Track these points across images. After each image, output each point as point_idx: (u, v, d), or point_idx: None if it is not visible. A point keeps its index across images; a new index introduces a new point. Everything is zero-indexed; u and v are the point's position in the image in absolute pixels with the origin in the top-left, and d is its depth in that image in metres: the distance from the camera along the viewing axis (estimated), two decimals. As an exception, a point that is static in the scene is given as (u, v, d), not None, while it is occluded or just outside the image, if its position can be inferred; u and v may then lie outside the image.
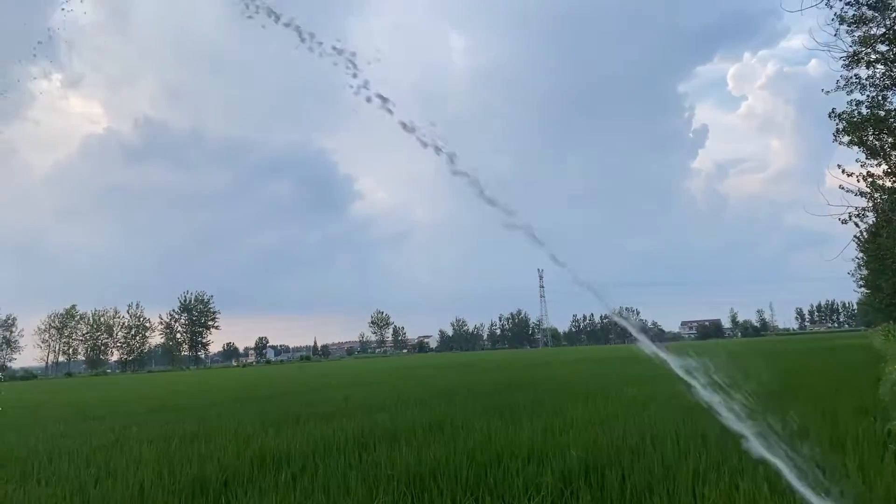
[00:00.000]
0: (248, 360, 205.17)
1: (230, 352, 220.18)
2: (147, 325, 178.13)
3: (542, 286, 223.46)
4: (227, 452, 8.88)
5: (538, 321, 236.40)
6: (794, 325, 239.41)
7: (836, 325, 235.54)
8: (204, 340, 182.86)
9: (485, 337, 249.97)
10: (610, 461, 6.74)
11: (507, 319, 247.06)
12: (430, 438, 9.21)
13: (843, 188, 30.41)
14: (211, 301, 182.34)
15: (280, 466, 7.67)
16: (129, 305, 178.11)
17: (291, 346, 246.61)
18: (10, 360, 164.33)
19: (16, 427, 15.47)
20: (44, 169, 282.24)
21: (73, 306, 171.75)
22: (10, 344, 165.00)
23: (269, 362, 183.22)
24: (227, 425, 12.59)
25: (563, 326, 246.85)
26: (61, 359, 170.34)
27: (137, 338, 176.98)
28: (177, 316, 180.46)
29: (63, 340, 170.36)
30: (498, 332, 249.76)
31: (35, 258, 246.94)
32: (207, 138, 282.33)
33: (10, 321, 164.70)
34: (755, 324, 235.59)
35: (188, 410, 17.43)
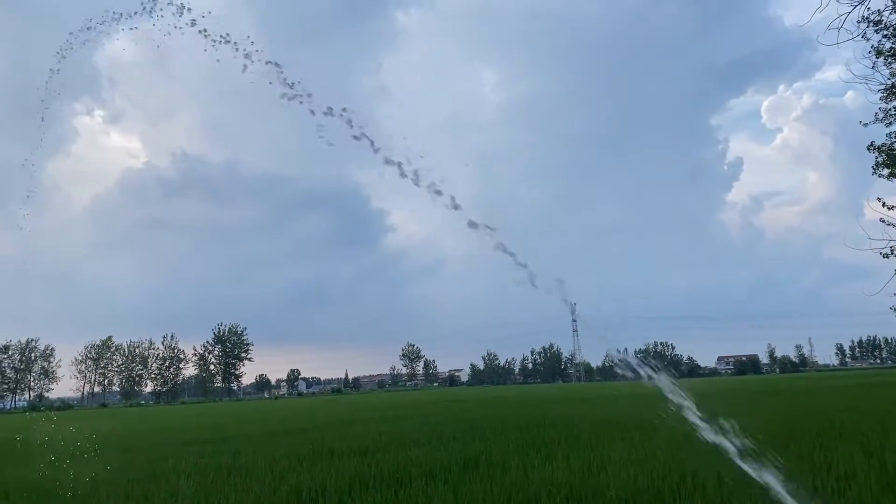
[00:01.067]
0: (281, 393, 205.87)
1: (262, 383, 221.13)
2: (181, 356, 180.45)
3: (574, 320, 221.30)
4: (264, 487, 8.89)
5: (571, 355, 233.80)
6: (835, 361, 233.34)
7: (878, 361, 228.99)
8: (237, 372, 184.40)
9: (516, 371, 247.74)
10: (650, 502, 6.62)
11: (539, 353, 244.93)
12: (466, 476, 9.13)
13: (883, 221, 29.82)
14: (244, 333, 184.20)
15: (316, 502, 7.65)
16: (164, 337, 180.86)
17: (323, 378, 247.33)
18: (47, 391, 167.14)
19: (55, 460, 15.67)
20: (83, 202, 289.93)
21: (110, 338, 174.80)
22: (47, 374, 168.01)
23: (301, 394, 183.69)
24: (262, 459, 12.62)
25: (595, 361, 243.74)
26: (97, 389, 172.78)
27: (171, 369, 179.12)
28: (210, 348, 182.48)
29: (99, 371, 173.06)
30: (530, 366, 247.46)
31: (73, 290, 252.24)
32: (243, 172, 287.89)
33: (48, 352, 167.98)
34: (793, 359, 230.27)
35: (223, 443, 17.51)
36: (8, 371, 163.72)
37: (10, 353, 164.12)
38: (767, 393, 35.01)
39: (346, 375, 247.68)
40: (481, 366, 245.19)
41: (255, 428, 24.42)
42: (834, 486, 7.08)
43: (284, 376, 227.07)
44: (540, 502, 6.79)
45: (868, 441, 10.68)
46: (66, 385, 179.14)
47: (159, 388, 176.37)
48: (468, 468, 9.95)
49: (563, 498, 6.92)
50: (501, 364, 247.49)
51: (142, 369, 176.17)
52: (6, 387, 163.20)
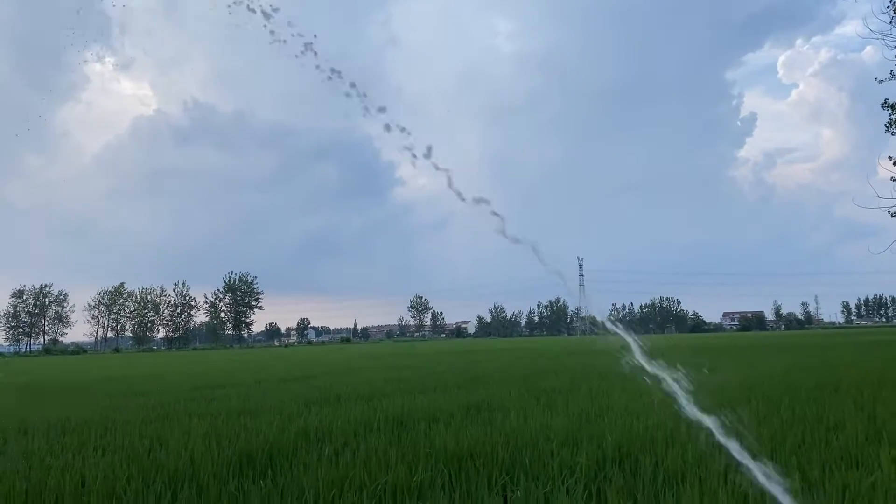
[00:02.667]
0: (290, 341, 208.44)
1: (272, 332, 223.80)
2: (192, 303, 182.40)
3: (581, 274, 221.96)
4: (273, 428, 9.21)
5: (577, 309, 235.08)
6: (840, 318, 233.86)
7: (884, 319, 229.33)
8: (247, 320, 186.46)
9: (523, 324, 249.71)
10: (644, 448, 6.87)
11: (546, 307, 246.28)
12: (467, 420, 9.43)
13: (894, 179, 29.57)
14: (255, 282, 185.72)
15: (323, 442, 7.96)
16: (176, 284, 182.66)
17: (332, 327, 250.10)
18: (61, 335, 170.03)
19: (71, 400, 16.17)
20: (95, 150, 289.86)
21: (122, 284, 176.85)
22: (61, 319, 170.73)
23: (310, 343, 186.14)
24: (271, 403, 12.99)
25: (601, 315, 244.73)
26: (110, 334, 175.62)
27: (183, 316, 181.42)
28: (221, 295, 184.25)
29: (112, 317, 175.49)
30: (536, 319, 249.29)
31: (86, 237, 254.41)
32: (254, 123, 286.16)
33: (61, 297, 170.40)
34: (799, 317, 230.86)
35: (233, 388, 17.95)
36: (23, 315, 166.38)
37: (24, 297, 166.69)
38: (770, 349, 35.34)
39: (355, 325, 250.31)
40: (488, 318, 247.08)
41: (264, 374, 24.95)
42: (822, 436, 7.31)
43: (294, 325, 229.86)
44: (537, 446, 7.05)
45: (861, 395, 10.91)
46: (80, 330, 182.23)
47: (171, 334, 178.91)
48: (470, 414, 10.26)
49: (560, 442, 7.18)
50: (508, 317, 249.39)
51: (153, 315, 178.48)
52: (21, 330, 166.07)
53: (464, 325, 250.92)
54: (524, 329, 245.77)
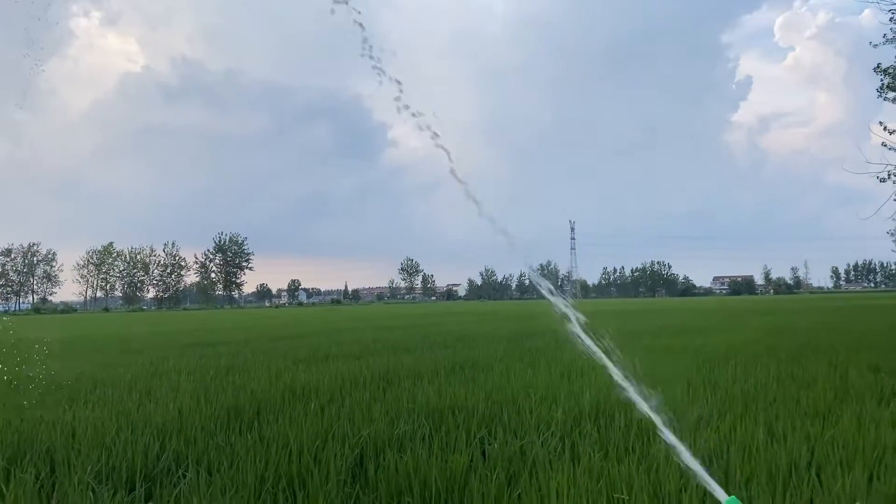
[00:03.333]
0: (281, 302, 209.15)
1: (263, 293, 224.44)
2: (182, 263, 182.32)
3: (573, 238, 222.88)
4: (260, 384, 9.40)
5: (567, 273, 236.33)
6: (829, 283, 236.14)
7: (872, 285, 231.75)
8: (238, 281, 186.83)
9: (513, 287, 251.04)
10: (620, 405, 7.07)
11: (537, 270, 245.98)
12: (451, 378, 9.64)
13: (885, 145, 29.70)
14: (245, 243, 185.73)
15: (309, 398, 8.14)
16: (165, 244, 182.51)
17: (323, 289, 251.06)
18: (50, 294, 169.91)
19: (59, 356, 16.30)
20: (82, 107, 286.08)
21: (111, 244, 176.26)
22: (50, 278, 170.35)
23: (301, 304, 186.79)
24: (260, 361, 13.18)
25: (592, 279, 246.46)
26: (99, 294, 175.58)
27: (173, 276, 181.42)
28: (211, 256, 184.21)
29: (101, 276, 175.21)
30: (526, 282, 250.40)
31: (74, 195, 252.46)
32: (244, 81, 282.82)
33: (50, 256, 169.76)
34: (788, 281, 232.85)
35: (223, 346, 18.14)
36: (11, 274, 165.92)
37: (12, 256, 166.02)
38: (757, 312, 35.81)
39: (346, 287, 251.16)
40: (479, 281, 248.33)
41: (254, 333, 25.17)
42: (794, 394, 7.54)
43: (285, 286, 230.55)
44: (517, 401, 7.25)
45: (837, 357, 11.17)
46: (69, 289, 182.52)
47: (161, 294, 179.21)
48: (454, 372, 10.47)
49: (539, 399, 7.38)
50: (499, 280, 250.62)
51: (143, 275, 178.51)
52: (10, 289, 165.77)
53: (454, 288, 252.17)
54: (515, 292, 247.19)
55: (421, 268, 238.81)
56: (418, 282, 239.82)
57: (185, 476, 5.07)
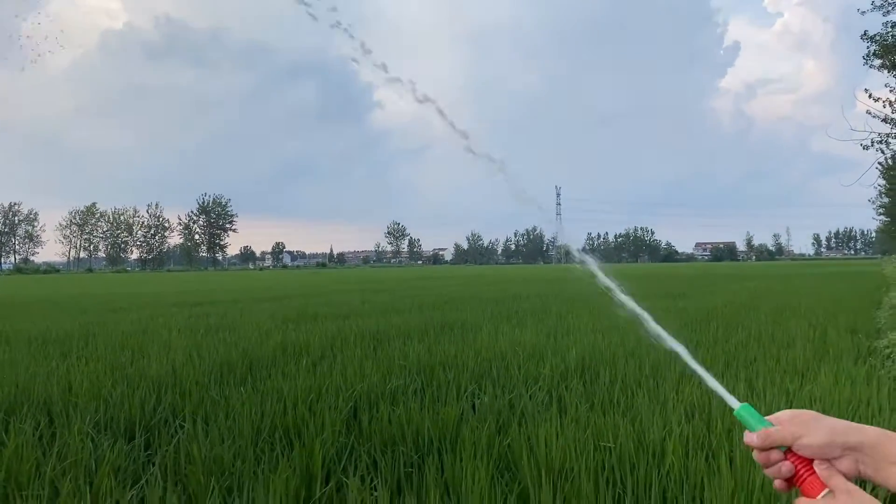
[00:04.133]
0: (265, 264, 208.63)
1: (247, 255, 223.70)
2: (166, 224, 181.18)
3: (558, 203, 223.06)
4: (251, 342, 9.52)
5: (552, 238, 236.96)
6: (811, 251, 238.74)
7: (852, 252, 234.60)
8: (221, 242, 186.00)
9: (499, 252, 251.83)
10: (605, 362, 7.26)
11: (522, 235, 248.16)
12: (441, 337, 9.80)
13: (869, 113, 29.89)
14: (229, 204, 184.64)
15: (300, 355, 8.27)
16: (149, 205, 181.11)
17: (308, 252, 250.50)
18: (32, 254, 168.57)
19: (48, 315, 16.33)
20: (62, 66, 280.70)
21: (94, 204, 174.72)
22: (32, 238, 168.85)
23: (285, 267, 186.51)
24: (249, 320, 13.28)
25: (577, 244, 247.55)
26: (82, 255, 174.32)
27: (156, 237, 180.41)
28: (195, 217, 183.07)
29: (84, 237, 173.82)
30: (513, 247, 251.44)
31: (56, 155, 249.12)
32: (228, 40, 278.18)
33: (31, 216, 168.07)
34: (770, 248, 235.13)
35: (210, 306, 18.22)
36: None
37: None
38: (738, 277, 36.28)
39: (331, 251, 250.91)
40: (465, 246, 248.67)
41: (241, 294, 25.23)
42: (774, 353, 7.76)
43: (269, 249, 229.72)
44: (505, 358, 7.43)
45: (816, 318, 11.45)
46: (52, 249, 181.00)
47: (145, 255, 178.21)
48: (444, 331, 10.64)
49: (527, 356, 7.56)
50: (485, 245, 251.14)
51: (127, 236, 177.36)
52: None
53: (441, 253, 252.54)
54: (501, 257, 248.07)
55: (407, 232, 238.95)
56: (405, 246, 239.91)
57: (182, 427, 5.19)
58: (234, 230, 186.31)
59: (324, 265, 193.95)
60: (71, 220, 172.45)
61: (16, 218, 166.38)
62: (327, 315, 14.26)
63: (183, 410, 5.67)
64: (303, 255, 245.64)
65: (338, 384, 6.14)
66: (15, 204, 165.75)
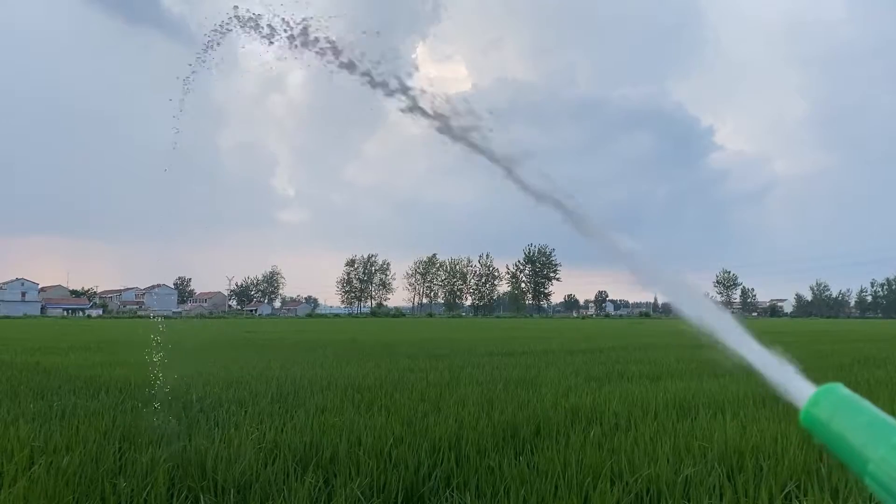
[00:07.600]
0: (588, 312, 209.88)
1: (571, 303, 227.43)
2: (496, 274, 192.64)
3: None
4: (545, 402, 9.04)
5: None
6: None
7: None
8: (546, 291, 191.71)
9: (852, 304, 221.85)
10: None
11: (882, 285, 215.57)
12: (760, 412, 8.33)
13: None
14: (553, 254, 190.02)
15: (591, 422, 7.56)
16: (481, 255, 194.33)
17: (631, 301, 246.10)
18: (385, 300, 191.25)
19: (374, 357, 17.72)
20: (416, 132, 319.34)
21: (434, 255, 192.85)
22: (384, 285, 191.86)
23: (608, 315, 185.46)
24: (552, 375, 12.86)
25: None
26: (424, 300, 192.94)
27: (487, 285, 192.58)
28: (522, 267, 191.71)
29: (426, 284, 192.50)
30: (869, 298, 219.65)
31: (404, 210, 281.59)
32: (564, 97, 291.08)
33: (385, 266, 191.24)
34: None
35: (521, 357, 18.27)
36: (355, 282, 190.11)
37: (355, 265, 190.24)
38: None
39: (655, 300, 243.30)
40: (808, 296, 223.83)
41: (554, 345, 25.13)
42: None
43: (592, 297, 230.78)
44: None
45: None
46: (400, 295, 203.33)
47: (477, 301, 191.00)
48: (766, 405, 9.07)
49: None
50: (833, 295, 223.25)
51: (461, 284, 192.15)
52: (353, 295, 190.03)
53: (779, 304, 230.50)
54: (854, 310, 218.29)
55: (739, 280, 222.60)
56: (736, 296, 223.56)
57: (450, 498, 4.87)
58: (557, 279, 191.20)
59: (647, 315, 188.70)
60: (416, 269, 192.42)
61: (372, 268, 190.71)
62: (635, 374, 13.26)
63: (457, 478, 5.36)
64: (626, 304, 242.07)
65: (620, 466, 5.32)
66: (372, 255, 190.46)
